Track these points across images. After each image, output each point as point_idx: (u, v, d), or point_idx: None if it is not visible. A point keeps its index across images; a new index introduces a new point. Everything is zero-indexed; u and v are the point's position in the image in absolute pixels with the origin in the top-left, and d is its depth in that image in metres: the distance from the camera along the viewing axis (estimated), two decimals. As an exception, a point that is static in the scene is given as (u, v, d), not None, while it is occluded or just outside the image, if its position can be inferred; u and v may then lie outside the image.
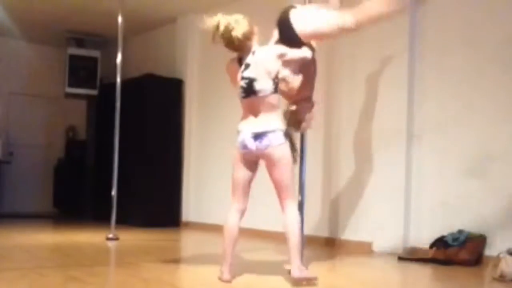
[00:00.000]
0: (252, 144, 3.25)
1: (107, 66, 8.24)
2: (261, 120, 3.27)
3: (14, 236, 5.79)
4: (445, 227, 4.57)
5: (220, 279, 3.32)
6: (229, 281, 3.29)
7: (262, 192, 6.24)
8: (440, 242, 4.47)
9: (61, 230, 6.97)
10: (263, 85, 3.27)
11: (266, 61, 3.33)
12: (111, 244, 5.29)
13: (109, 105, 6.25)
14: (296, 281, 3.18)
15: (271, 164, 3.29)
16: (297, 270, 3.19)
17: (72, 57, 8.57)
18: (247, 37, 3.43)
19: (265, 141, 3.23)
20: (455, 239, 4.36)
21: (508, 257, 3.61)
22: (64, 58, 8.62)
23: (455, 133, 4.72)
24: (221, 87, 7.15)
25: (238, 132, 3.33)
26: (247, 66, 3.34)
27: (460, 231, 4.42)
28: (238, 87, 3.34)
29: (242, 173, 3.35)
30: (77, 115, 9.62)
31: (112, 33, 6.42)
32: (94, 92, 8.61)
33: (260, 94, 3.26)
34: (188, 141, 7.55)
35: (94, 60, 8.70)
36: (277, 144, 3.24)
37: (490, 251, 4.26)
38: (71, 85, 8.57)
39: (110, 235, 5.49)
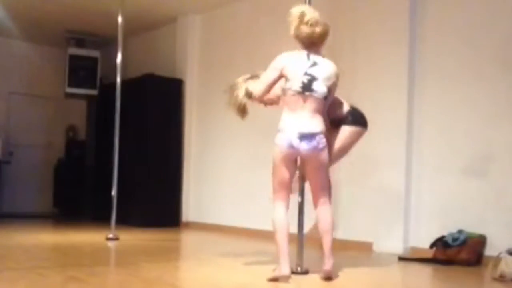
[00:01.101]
0: (298, 144, 3.30)
1: (107, 66, 8.24)
2: (308, 121, 3.33)
3: (14, 236, 5.79)
4: (445, 227, 4.57)
5: (276, 276, 3.30)
6: (289, 276, 3.32)
7: (263, 192, 6.25)
8: (440, 242, 4.47)
9: (61, 230, 6.97)
10: (321, 87, 3.36)
11: (330, 72, 3.44)
12: (111, 244, 5.29)
13: (109, 105, 6.25)
14: (328, 274, 3.36)
15: (315, 166, 3.39)
16: (331, 265, 3.35)
17: (72, 57, 8.56)
18: (327, 34, 3.45)
19: (313, 142, 3.31)
20: (455, 239, 4.36)
21: (508, 257, 3.61)
22: (64, 58, 8.62)
23: (455, 133, 4.73)
24: (221, 87, 7.12)
25: (280, 130, 3.35)
26: (315, 64, 3.38)
27: (460, 231, 4.43)
28: (293, 81, 3.34)
29: (287, 172, 3.38)
30: (77, 115, 9.62)
31: (112, 33, 6.42)
32: (94, 92, 8.61)
33: (315, 94, 3.34)
34: (188, 141, 7.55)
35: (94, 60, 8.70)
36: (322, 147, 3.35)
37: (490, 251, 4.26)
38: (71, 85, 8.56)
39: (110, 235, 5.49)
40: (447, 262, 4.29)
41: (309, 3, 3.85)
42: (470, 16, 4.72)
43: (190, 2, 7.18)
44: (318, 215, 3.46)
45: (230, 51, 7.08)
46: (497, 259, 3.69)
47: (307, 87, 3.34)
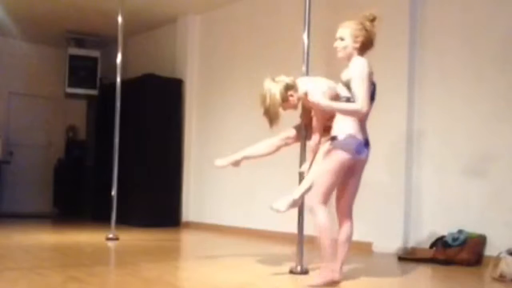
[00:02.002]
0: (364, 151, 3.27)
1: (107, 66, 8.24)
2: (365, 128, 3.30)
3: (14, 236, 5.79)
4: (445, 227, 4.58)
5: (325, 281, 3.25)
6: (339, 282, 3.31)
7: (263, 192, 6.25)
8: (440, 242, 4.47)
9: (61, 230, 6.97)
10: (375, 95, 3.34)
11: None
12: (111, 244, 5.29)
13: (109, 105, 6.25)
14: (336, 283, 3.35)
15: (361, 172, 3.38)
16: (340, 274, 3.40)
17: (72, 57, 8.57)
18: None
19: (369, 149, 3.31)
20: (455, 239, 4.36)
21: (508, 257, 3.61)
22: (64, 58, 8.63)
23: (455, 133, 4.73)
24: (221, 87, 7.16)
25: (350, 136, 3.21)
26: (372, 72, 3.28)
27: (460, 231, 4.43)
28: (367, 93, 3.21)
29: (341, 178, 3.28)
30: (77, 115, 9.63)
31: (112, 33, 6.42)
32: (94, 92, 8.62)
33: (373, 102, 3.30)
34: (188, 141, 7.55)
35: (94, 60, 8.70)
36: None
37: (490, 251, 4.26)
38: (71, 85, 8.57)
39: (110, 235, 5.49)
40: (447, 262, 4.29)
41: (309, 4, 3.85)
42: (470, 17, 4.71)
43: (190, 2, 7.18)
44: (343, 224, 3.41)
45: (230, 51, 7.08)
46: (497, 259, 3.69)
47: (372, 96, 3.29)
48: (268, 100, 3.50)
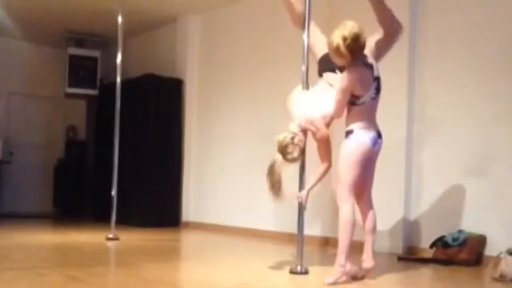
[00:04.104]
0: (378, 142, 3.39)
1: (107, 66, 8.24)
2: (375, 121, 3.43)
3: (14, 236, 5.78)
4: (445, 227, 4.58)
5: (338, 277, 3.28)
6: (349, 273, 3.38)
7: (262, 192, 6.25)
8: (440, 242, 4.47)
9: (61, 230, 6.96)
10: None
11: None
12: (111, 244, 5.29)
13: (109, 105, 6.25)
14: (368, 272, 3.57)
15: (375, 163, 3.51)
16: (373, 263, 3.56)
17: (72, 57, 8.57)
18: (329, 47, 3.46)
19: (382, 140, 3.44)
20: (455, 239, 4.36)
21: (508, 257, 3.61)
22: (64, 58, 8.62)
23: (455, 133, 4.73)
24: (221, 87, 7.15)
25: (362, 128, 3.35)
26: (372, 66, 3.39)
27: (460, 231, 4.43)
28: (368, 91, 3.33)
29: (361, 170, 3.38)
30: (77, 115, 9.62)
31: (112, 33, 6.42)
32: (94, 92, 8.62)
33: (380, 93, 3.41)
34: (188, 141, 7.55)
35: (94, 60, 8.70)
36: None
37: (490, 251, 4.26)
38: (71, 85, 8.57)
39: (110, 235, 5.49)
40: (447, 262, 4.29)
41: (309, 4, 3.85)
42: (470, 18, 4.71)
43: (190, 2, 7.18)
44: (367, 213, 3.54)
45: (230, 51, 7.08)
46: (497, 259, 3.69)
47: (378, 90, 3.41)
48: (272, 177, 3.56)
